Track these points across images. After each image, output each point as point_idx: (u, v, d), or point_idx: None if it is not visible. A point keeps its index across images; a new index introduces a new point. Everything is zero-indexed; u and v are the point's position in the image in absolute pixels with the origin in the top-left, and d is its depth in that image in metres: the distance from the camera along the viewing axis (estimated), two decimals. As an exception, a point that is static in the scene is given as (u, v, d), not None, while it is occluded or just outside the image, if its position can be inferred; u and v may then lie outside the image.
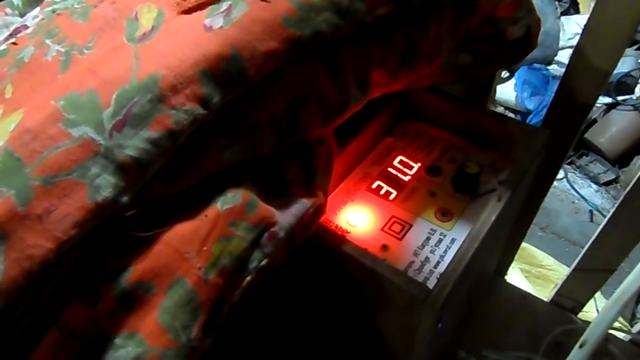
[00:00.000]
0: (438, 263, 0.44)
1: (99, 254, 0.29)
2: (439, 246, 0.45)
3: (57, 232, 0.26)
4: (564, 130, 0.62)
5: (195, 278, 0.30)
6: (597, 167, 2.11)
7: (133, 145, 0.28)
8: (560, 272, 1.37)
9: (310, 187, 0.38)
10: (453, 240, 0.46)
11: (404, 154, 0.53)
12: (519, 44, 0.52)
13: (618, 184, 2.06)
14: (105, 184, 0.27)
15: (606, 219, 0.72)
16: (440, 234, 0.46)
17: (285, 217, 0.35)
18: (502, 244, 0.67)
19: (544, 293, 1.36)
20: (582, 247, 0.82)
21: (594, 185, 2.09)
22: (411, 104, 0.56)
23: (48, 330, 0.27)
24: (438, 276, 0.43)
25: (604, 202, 2.02)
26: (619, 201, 0.67)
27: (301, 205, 0.36)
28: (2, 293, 0.25)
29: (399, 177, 0.51)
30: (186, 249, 0.30)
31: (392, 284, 0.38)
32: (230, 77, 0.31)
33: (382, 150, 0.54)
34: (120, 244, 0.29)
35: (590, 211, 1.99)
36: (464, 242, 0.40)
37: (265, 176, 0.37)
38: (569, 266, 1.40)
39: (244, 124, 0.34)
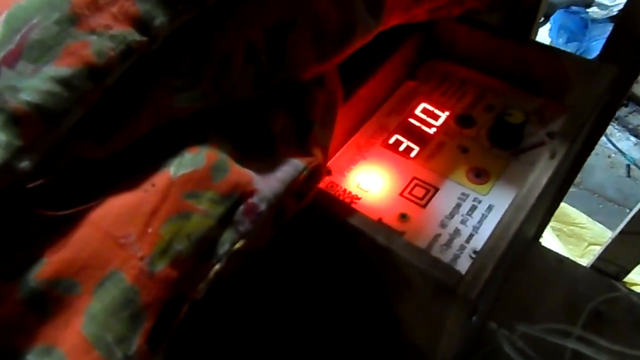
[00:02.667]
0: (471, 236, 0.35)
1: (-4, 242, 0.21)
2: (472, 215, 0.36)
3: None
4: (625, 67, 0.50)
5: (136, 271, 0.21)
6: (636, 119, 1.98)
7: (32, 86, 0.19)
8: (594, 230, 1.30)
9: (304, 144, 0.29)
10: (490, 208, 0.36)
11: (428, 101, 0.43)
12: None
13: (659, 137, 1.92)
14: (-8, 143, 0.19)
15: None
16: (474, 200, 0.37)
17: (268, 184, 0.26)
18: (546, 208, 0.57)
19: (576, 253, 1.28)
20: (618, 204, 0.73)
21: (632, 138, 1.96)
22: (437, 39, 0.46)
23: None
24: (471, 253, 0.34)
25: (643, 156, 1.89)
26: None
27: (291, 168, 0.27)
28: None
29: (422, 130, 0.42)
30: (122, 232, 0.21)
31: (412, 267, 0.30)
32: (179, -12, 0.22)
33: (402, 97, 0.44)
34: (27, 228, 0.21)
35: (628, 166, 1.87)
36: (506, 211, 0.31)
37: (243, 130, 0.28)
38: (602, 224, 1.32)
39: (206, 57, 0.24)
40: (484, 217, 0.36)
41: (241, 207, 0.25)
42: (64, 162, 0.21)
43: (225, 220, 0.24)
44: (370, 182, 0.38)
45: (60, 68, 0.20)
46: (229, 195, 0.24)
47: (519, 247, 0.51)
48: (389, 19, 0.34)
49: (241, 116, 0.28)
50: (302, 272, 0.40)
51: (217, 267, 0.24)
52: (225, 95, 0.26)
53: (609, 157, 1.90)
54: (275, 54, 0.27)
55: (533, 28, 0.49)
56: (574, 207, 1.35)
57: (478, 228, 0.35)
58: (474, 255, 0.34)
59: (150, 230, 0.22)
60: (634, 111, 1.98)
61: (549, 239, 1.25)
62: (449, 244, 0.35)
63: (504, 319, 0.68)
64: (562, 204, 1.33)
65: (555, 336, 0.66)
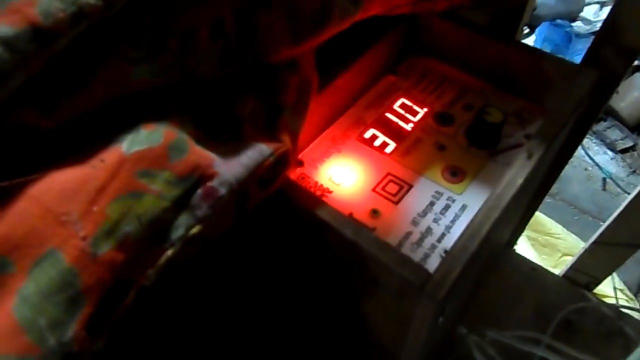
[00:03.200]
0: (443, 235, 0.34)
1: None
2: (445, 214, 0.35)
3: None
4: (605, 74, 0.50)
5: (76, 252, 0.20)
6: (614, 133, 2.01)
7: (-32, 43, 0.17)
8: (568, 241, 1.31)
9: (273, 128, 0.27)
10: (464, 207, 0.35)
11: (407, 97, 0.42)
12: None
13: (636, 152, 1.95)
14: None
15: (637, 190, 0.62)
16: (448, 199, 0.36)
17: (230, 168, 0.24)
18: (521, 213, 0.57)
19: (550, 263, 1.29)
20: (593, 217, 0.73)
21: (609, 152, 1.99)
22: (420, 35, 0.45)
23: None
24: (442, 253, 0.33)
25: (619, 171, 1.92)
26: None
27: (256, 153, 0.26)
28: None
29: (399, 125, 0.41)
30: (64, 208, 0.20)
31: (379, 264, 0.28)
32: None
33: (381, 91, 0.43)
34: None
35: (604, 179, 1.90)
36: (479, 211, 0.30)
37: (209, 110, 0.26)
38: (577, 235, 1.33)
39: (169, 30, 0.23)
40: (457, 216, 0.35)
41: (199, 191, 0.23)
42: (4, 129, 0.20)
43: (181, 204, 0.23)
44: (343, 176, 0.37)
45: (2, 27, 0.18)
46: (187, 177, 0.23)
47: (492, 250, 0.51)
48: (369, 6, 0.33)
49: (208, 96, 0.26)
50: (268, 264, 0.38)
51: (169, 252, 0.22)
52: (188, 71, 0.24)
53: (586, 169, 1.92)
54: (244, 32, 0.25)
55: (518, 30, 0.48)
56: (549, 217, 1.37)
57: (450, 227, 0.34)
58: (444, 255, 0.32)
59: (95, 208, 0.20)
60: (612, 126, 2.01)
61: (524, 248, 1.26)
62: (419, 242, 0.33)
63: (475, 324, 0.67)
64: (538, 214, 1.34)
65: (525, 344, 0.66)
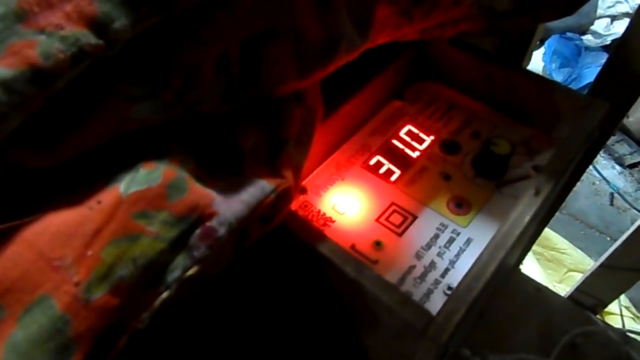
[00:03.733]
0: (447, 271, 0.33)
1: None
2: (449, 247, 0.34)
3: None
4: (616, 101, 0.49)
5: (68, 298, 0.19)
6: (623, 148, 1.99)
7: (-35, 86, 0.17)
8: (574, 256, 1.30)
9: (275, 163, 0.27)
10: (469, 241, 0.35)
11: (414, 123, 0.42)
12: (575, -11, 0.39)
13: (644, 168, 1.94)
14: None
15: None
16: (453, 231, 0.35)
17: (230, 206, 0.24)
18: (529, 239, 0.56)
19: (555, 278, 1.27)
20: (599, 232, 0.72)
21: (617, 167, 1.97)
22: (428, 60, 0.44)
23: None
24: (446, 289, 0.32)
25: (627, 186, 1.90)
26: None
27: (257, 190, 0.25)
28: None
29: (405, 153, 0.40)
30: (57, 253, 0.19)
31: (380, 304, 0.28)
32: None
33: (387, 117, 0.43)
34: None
35: (612, 194, 1.88)
36: (485, 249, 0.30)
37: (210, 144, 0.26)
38: (583, 250, 1.31)
39: (172, 66, 0.22)
40: (461, 250, 0.34)
41: (197, 231, 0.23)
42: (1, 169, 0.19)
43: (179, 244, 0.22)
44: (346, 205, 0.37)
45: (2, 69, 0.18)
46: (185, 217, 0.22)
47: (498, 279, 0.50)
48: (377, 36, 0.32)
49: (209, 129, 0.26)
50: (266, 295, 0.38)
51: (164, 295, 0.22)
52: (190, 108, 0.24)
53: (594, 184, 1.91)
54: (250, 67, 0.25)
55: (526, 55, 0.48)
56: (555, 231, 1.35)
57: (455, 262, 0.34)
58: (448, 292, 0.32)
59: (89, 252, 0.20)
60: (621, 140, 1.99)
61: (529, 263, 1.25)
62: (423, 277, 0.33)
63: (478, 345, 0.66)
64: (544, 229, 1.33)
65: (528, 368, 0.65)
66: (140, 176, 0.22)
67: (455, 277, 0.32)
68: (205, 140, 0.26)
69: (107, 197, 0.21)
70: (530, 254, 1.25)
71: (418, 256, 0.34)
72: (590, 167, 1.95)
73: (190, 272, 0.23)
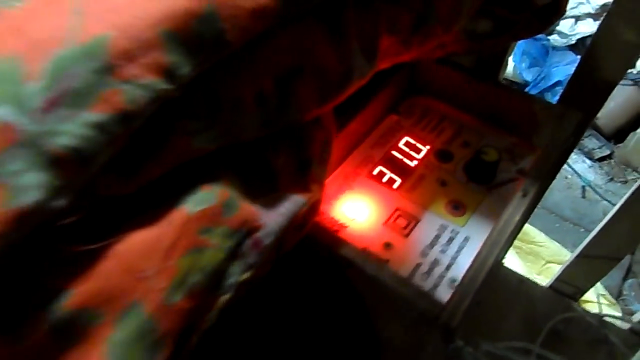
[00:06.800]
0: (449, 266, 0.38)
1: (27, 275, 0.22)
2: (450, 245, 0.39)
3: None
4: (584, 109, 0.55)
5: (155, 303, 0.23)
6: (592, 142, 2.07)
7: (70, 131, 0.21)
8: (551, 248, 1.35)
9: (304, 180, 0.31)
10: (467, 239, 0.39)
11: (410, 135, 0.46)
12: (547, 10, 0.45)
13: (612, 160, 2.02)
14: (31, 184, 0.20)
15: (618, 205, 0.67)
16: (452, 231, 0.40)
17: (272, 219, 0.28)
18: (514, 235, 0.61)
19: (534, 270, 1.33)
20: (573, 224, 0.78)
21: (587, 161, 2.05)
22: (419, 77, 0.49)
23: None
24: (449, 282, 0.37)
25: (597, 178, 1.98)
26: (635, 186, 0.62)
27: (292, 203, 0.29)
28: None
29: (404, 162, 0.45)
30: (143, 265, 0.23)
31: (399, 296, 0.32)
32: (203, 42, 0.24)
33: (386, 130, 0.47)
34: (55, 261, 0.22)
35: (583, 187, 1.96)
36: (483, 246, 0.34)
37: (248, 167, 0.30)
38: (558, 242, 1.37)
39: (221, 102, 0.26)
40: (461, 247, 0.39)
41: (248, 242, 0.27)
42: (94, 199, 0.23)
43: (234, 254, 0.26)
44: (356, 211, 0.41)
45: (96, 114, 0.21)
46: (238, 230, 0.26)
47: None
48: (381, 62, 0.37)
49: (246, 154, 0.30)
50: (292, 295, 0.42)
51: (226, 297, 0.26)
52: (236, 136, 0.28)
53: (566, 178, 1.98)
54: (282, 99, 0.29)
55: (500, 70, 0.53)
56: (533, 225, 1.41)
57: (456, 258, 0.38)
58: (452, 284, 0.36)
59: (168, 264, 0.24)
60: (590, 135, 2.07)
61: (509, 257, 1.30)
62: (429, 272, 0.37)
63: (470, 336, 0.71)
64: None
65: (516, 354, 0.70)
66: (201, 197, 0.26)
67: (457, 271, 0.37)
68: (244, 164, 0.30)
69: (177, 216, 0.25)
70: (510, 248, 1.31)
71: (423, 254, 0.38)
72: (562, 161, 2.03)
73: (245, 276, 0.27)
